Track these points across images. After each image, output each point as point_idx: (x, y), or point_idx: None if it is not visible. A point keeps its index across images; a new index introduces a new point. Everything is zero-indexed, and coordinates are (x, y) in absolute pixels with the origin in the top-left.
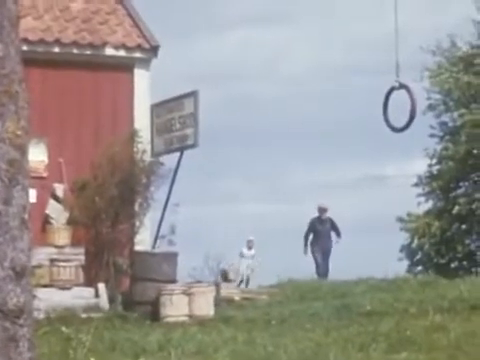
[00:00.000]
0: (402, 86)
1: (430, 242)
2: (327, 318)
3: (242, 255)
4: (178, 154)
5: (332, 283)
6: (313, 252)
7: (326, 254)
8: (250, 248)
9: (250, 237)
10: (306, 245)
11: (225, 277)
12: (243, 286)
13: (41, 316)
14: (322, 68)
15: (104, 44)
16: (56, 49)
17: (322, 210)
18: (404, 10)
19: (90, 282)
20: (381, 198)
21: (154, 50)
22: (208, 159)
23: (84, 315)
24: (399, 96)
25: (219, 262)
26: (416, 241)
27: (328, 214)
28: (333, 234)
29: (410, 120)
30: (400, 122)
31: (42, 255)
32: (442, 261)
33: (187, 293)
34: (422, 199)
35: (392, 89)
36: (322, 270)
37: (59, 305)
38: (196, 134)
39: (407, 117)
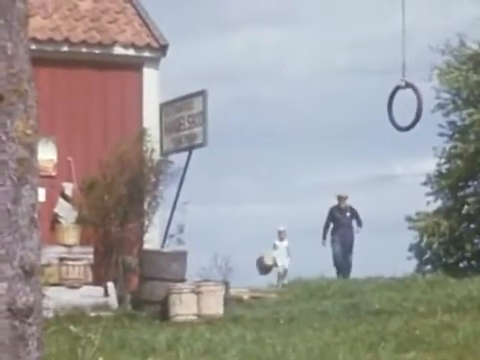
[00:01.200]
0: (408, 85)
1: (439, 241)
2: (336, 317)
3: (275, 247)
4: (187, 153)
5: (341, 282)
6: (332, 242)
7: (347, 247)
8: (282, 239)
9: (280, 227)
10: (325, 236)
11: (265, 268)
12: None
13: (50, 315)
14: (329, 68)
15: (113, 43)
16: (65, 48)
17: (341, 198)
18: (412, 10)
19: (99, 281)
20: (390, 197)
21: (163, 49)
22: (217, 158)
23: (93, 314)
24: (406, 95)
25: (228, 261)
26: (425, 240)
27: (348, 203)
28: (355, 224)
29: (416, 119)
30: (406, 121)
31: (51, 254)
32: (451, 260)
33: (196, 292)
34: (431, 198)
35: (398, 88)
36: (343, 266)
37: (68, 304)
38: (205, 133)
39: (413, 116)
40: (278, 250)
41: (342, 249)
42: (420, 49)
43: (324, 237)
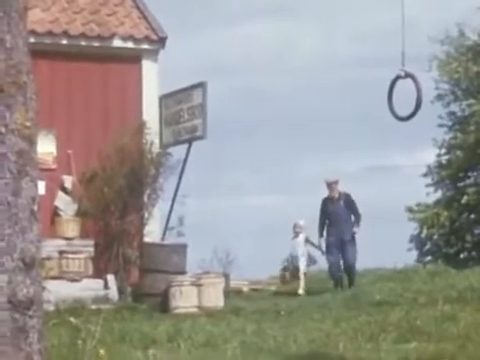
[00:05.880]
0: (408, 75)
1: (439, 232)
2: (336, 308)
3: (293, 247)
4: (187, 145)
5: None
6: (327, 247)
7: (347, 243)
8: (296, 235)
9: (297, 221)
10: (321, 234)
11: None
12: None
13: (51, 308)
14: (329, 59)
15: (112, 36)
16: (64, 41)
17: (330, 185)
18: (412, 0)
19: (99, 274)
20: (390, 188)
21: (162, 41)
22: (216, 150)
23: (93, 307)
24: (405, 85)
25: (228, 253)
26: (425, 231)
27: (343, 190)
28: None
29: (416, 109)
30: (406, 111)
31: (51, 247)
32: (451, 251)
33: (196, 284)
34: (431, 189)
35: (397, 78)
36: (342, 276)
37: (68, 297)
38: (204, 125)
39: (413, 106)
40: (294, 249)
41: (341, 252)
42: (421, 40)
43: (321, 235)
